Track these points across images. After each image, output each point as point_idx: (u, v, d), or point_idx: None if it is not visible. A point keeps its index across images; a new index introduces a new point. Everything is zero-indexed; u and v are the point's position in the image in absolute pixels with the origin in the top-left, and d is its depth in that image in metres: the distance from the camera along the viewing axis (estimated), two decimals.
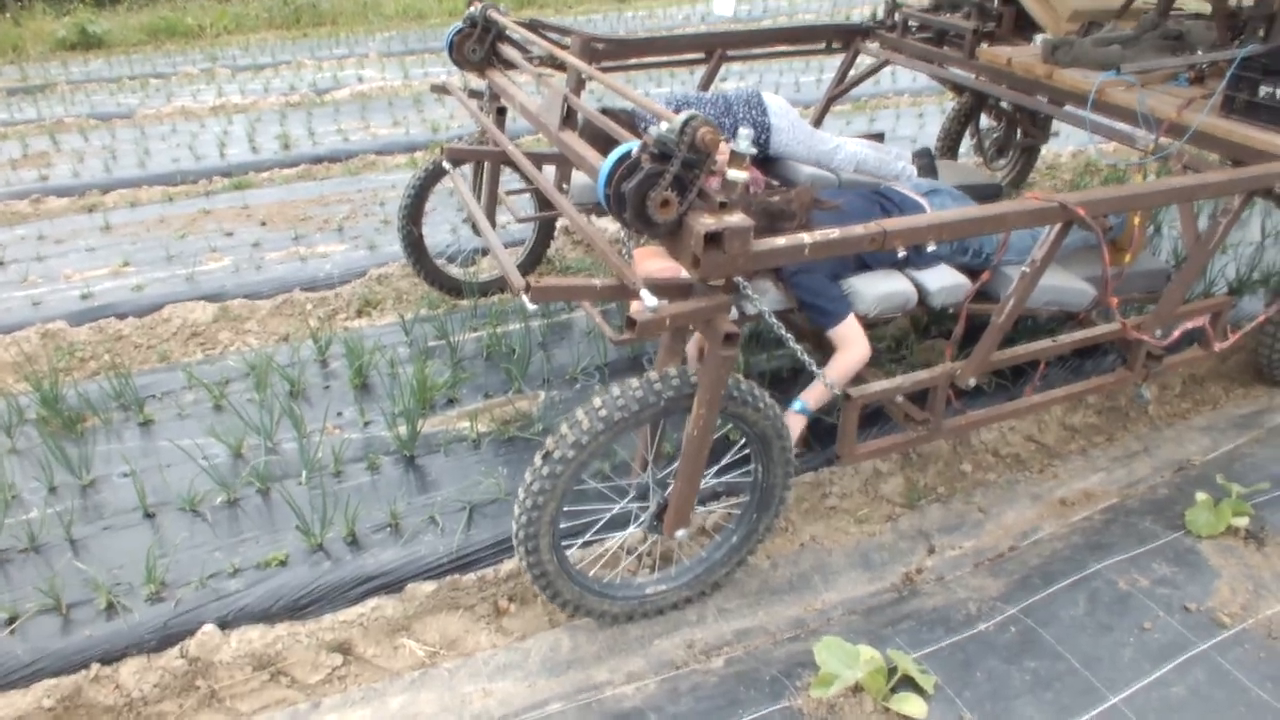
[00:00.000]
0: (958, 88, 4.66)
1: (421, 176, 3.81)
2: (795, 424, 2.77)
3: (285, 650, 2.34)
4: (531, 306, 2.06)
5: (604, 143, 2.63)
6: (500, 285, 4.21)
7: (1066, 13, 4.10)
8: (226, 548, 2.61)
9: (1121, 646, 2.32)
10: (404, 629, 2.44)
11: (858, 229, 2.13)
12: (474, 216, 2.98)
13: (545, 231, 4.26)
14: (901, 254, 2.90)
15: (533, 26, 3.68)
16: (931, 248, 2.93)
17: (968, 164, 5.16)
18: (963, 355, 2.74)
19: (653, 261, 2.63)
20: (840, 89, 4.76)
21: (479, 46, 3.57)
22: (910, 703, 2.08)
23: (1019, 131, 5.07)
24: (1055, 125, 5.35)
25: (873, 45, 4.62)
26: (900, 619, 2.43)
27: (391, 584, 2.50)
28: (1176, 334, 2.97)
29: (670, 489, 2.31)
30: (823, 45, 4.74)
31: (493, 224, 3.82)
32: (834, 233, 2.10)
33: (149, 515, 2.75)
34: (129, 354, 3.87)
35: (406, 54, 10.06)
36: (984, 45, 4.07)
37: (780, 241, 2.02)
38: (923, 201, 3.09)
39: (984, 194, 3.76)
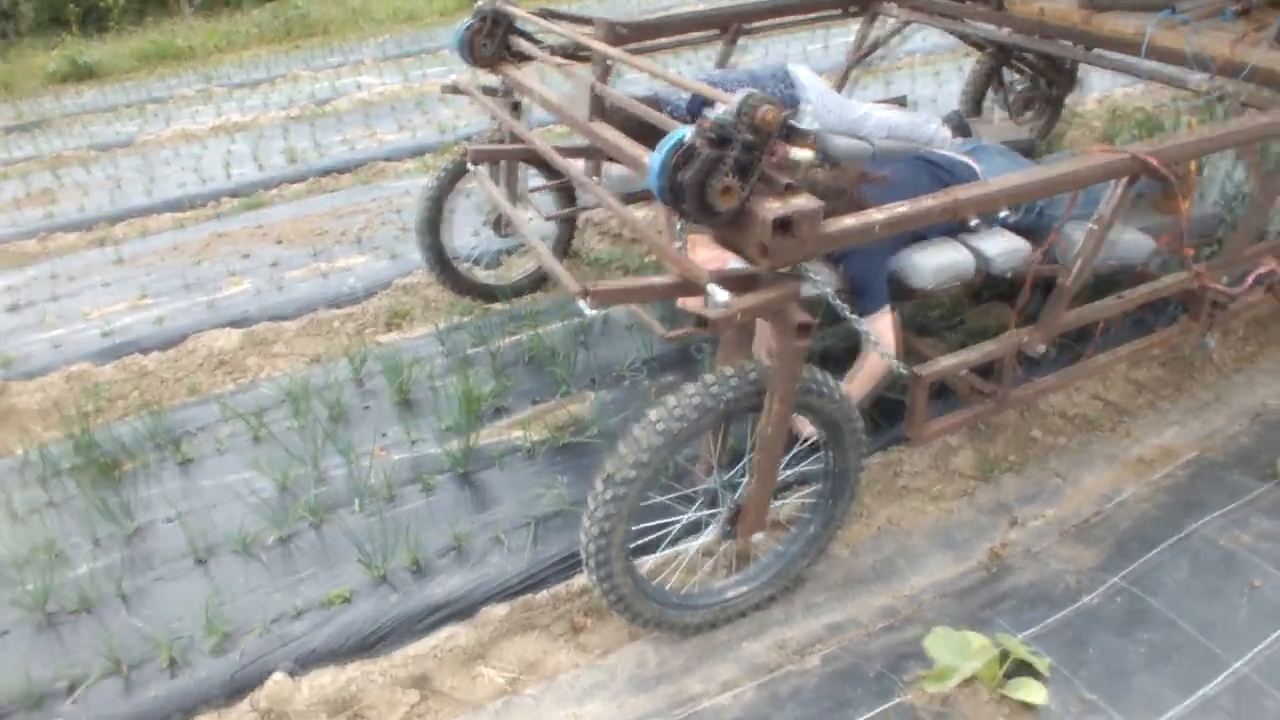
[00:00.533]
0: (979, 44, 4.50)
1: (437, 183, 3.68)
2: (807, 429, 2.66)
3: (360, 691, 2.24)
4: (590, 312, 1.94)
5: (638, 131, 2.51)
6: (534, 284, 4.10)
7: None
8: (286, 588, 2.52)
9: (1234, 609, 2.21)
10: (480, 657, 2.34)
11: (928, 200, 2.00)
12: (509, 215, 2.87)
13: (569, 228, 4.14)
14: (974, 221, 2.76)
15: (546, 16, 3.55)
16: (1003, 214, 2.78)
17: (994, 120, 5.00)
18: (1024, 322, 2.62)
19: (701, 251, 2.51)
20: (860, 55, 4.60)
21: (490, 41, 3.45)
22: (1028, 688, 1.98)
23: (1045, 83, 4.91)
24: (1081, 72, 5.16)
25: (890, 6, 4.46)
26: (997, 599, 2.33)
27: (462, 610, 2.40)
28: (1249, 280, 2.84)
29: (741, 491, 2.21)
30: (839, 11, 4.59)
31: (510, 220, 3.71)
32: (902, 207, 1.98)
33: (200, 561, 2.65)
34: (156, 389, 3.77)
35: (403, 56, 9.90)
36: None
37: (850, 221, 1.90)
38: (970, 161, 2.96)
39: (1019, 149, 3.62)
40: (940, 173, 2.84)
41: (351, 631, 2.34)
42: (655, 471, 2.00)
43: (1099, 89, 6.20)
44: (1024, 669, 2.04)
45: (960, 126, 3.80)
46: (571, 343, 3.55)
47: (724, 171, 1.78)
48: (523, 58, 3.46)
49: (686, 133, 1.86)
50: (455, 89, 3.71)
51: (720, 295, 1.85)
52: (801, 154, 1.81)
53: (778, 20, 4.46)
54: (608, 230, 4.69)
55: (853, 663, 2.16)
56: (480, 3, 3.43)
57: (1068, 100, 5.14)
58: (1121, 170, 2.23)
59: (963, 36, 4.37)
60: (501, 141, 3.60)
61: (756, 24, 4.38)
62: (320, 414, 3.29)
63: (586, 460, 2.89)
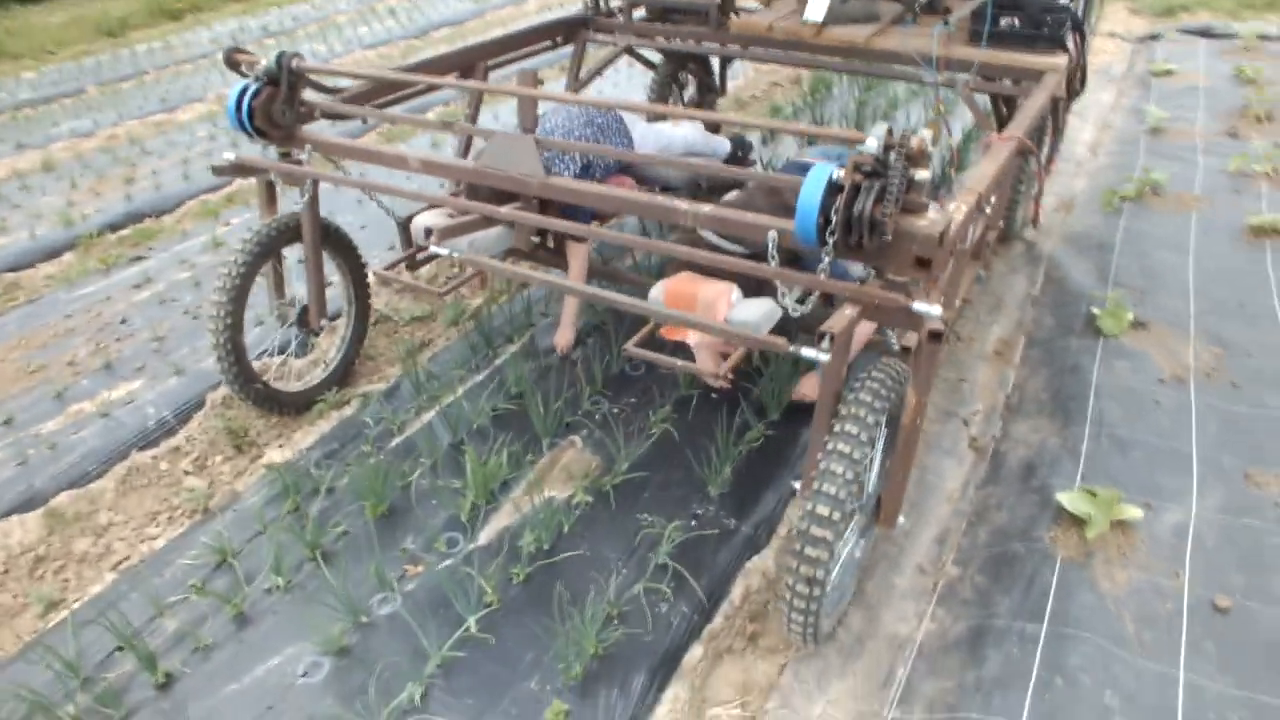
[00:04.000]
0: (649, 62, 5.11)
1: (243, 264, 3.19)
2: (813, 387, 3.14)
3: None
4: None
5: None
6: (338, 379, 3.73)
7: None
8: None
9: None
10: (705, 702, 2.41)
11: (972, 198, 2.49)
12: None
13: (364, 305, 3.79)
14: None
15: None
16: None
17: None
18: None
19: (704, 287, 2.72)
20: (580, 83, 4.95)
21: (288, 108, 3.16)
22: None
23: (705, 86, 5.73)
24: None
25: (600, 35, 4.86)
26: None
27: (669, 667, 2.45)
28: None
29: (875, 484, 2.48)
30: (549, 43, 4.86)
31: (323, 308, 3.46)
32: (969, 202, 2.42)
33: None
34: None
35: None
36: (733, 15, 4.57)
37: (960, 218, 2.32)
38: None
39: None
40: None
41: None
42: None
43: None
44: None
45: (741, 144, 4.40)
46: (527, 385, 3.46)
47: (891, 199, 2.10)
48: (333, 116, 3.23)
49: (831, 171, 2.14)
50: (238, 169, 3.31)
51: (934, 309, 2.14)
52: (923, 174, 2.21)
53: (508, 56, 4.61)
54: (404, 287, 4.48)
55: None
56: (263, 63, 3.11)
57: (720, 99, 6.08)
58: None
59: (667, 53, 4.98)
60: (290, 224, 3.31)
61: (494, 60, 4.49)
62: (304, 577, 2.84)
63: (638, 504, 2.99)
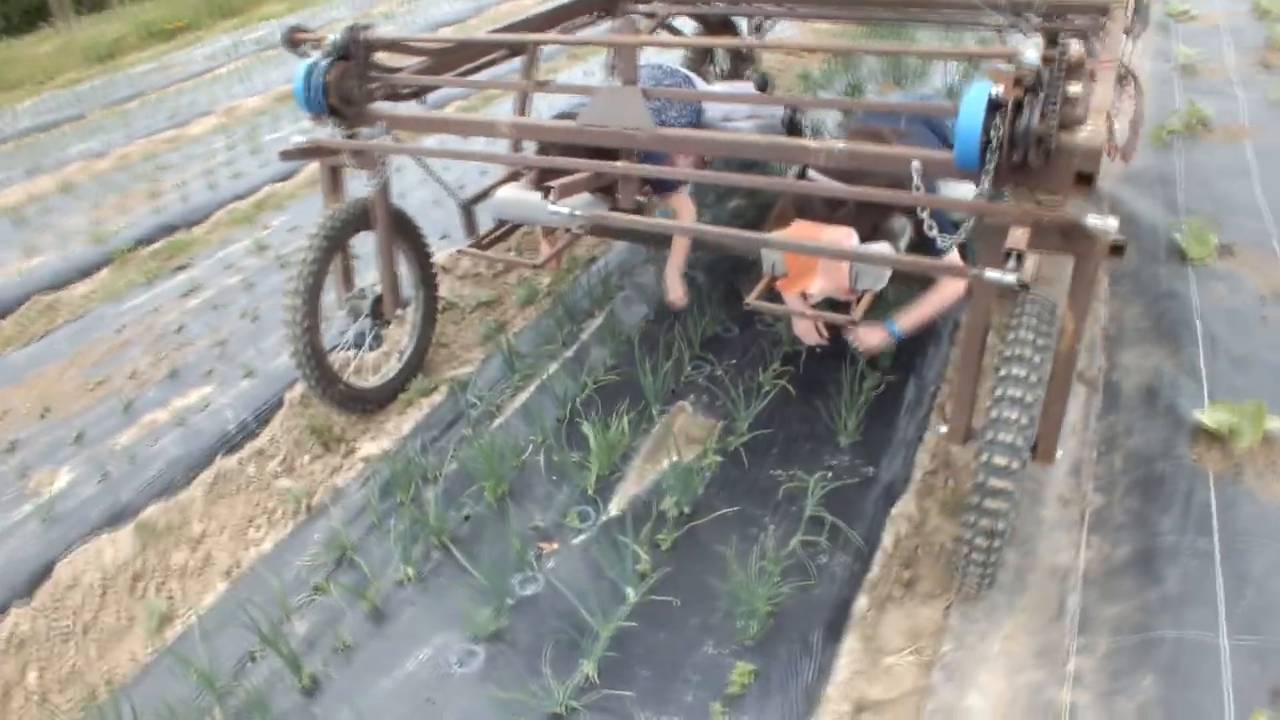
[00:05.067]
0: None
1: (318, 251, 3.05)
2: (879, 337, 3.06)
3: None
4: None
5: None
6: (406, 379, 3.59)
7: None
8: None
9: None
10: (879, 651, 2.35)
11: None
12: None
13: (431, 289, 3.63)
14: None
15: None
16: None
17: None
18: None
19: (827, 231, 2.67)
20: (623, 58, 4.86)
21: (360, 82, 3.05)
22: None
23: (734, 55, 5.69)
24: None
25: (640, 5, 4.78)
26: None
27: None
28: None
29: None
30: (591, 15, 4.78)
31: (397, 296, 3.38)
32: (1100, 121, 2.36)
33: None
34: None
35: None
36: None
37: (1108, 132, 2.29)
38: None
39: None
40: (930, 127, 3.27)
41: None
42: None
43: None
44: None
45: (762, 85, 4.37)
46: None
47: (1054, 113, 2.05)
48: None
49: (989, 88, 2.08)
50: (310, 151, 3.18)
51: (1111, 222, 2.04)
52: (1075, 88, 2.16)
53: (554, 33, 4.52)
54: (465, 274, 4.41)
55: None
56: (331, 38, 2.98)
57: None
58: None
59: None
60: (357, 212, 3.18)
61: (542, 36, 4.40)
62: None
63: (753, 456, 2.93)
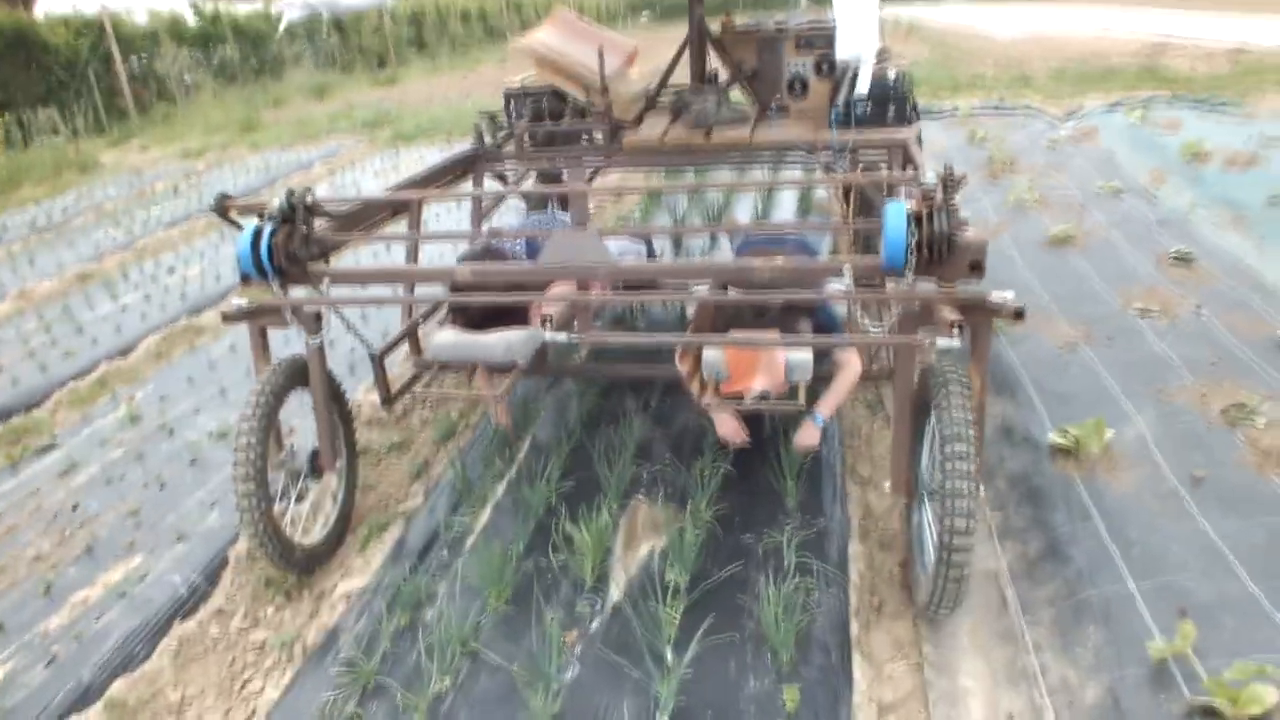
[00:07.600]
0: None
1: (267, 396, 3.13)
2: (814, 434, 3.46)
3: None
4: None
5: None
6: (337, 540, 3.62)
7: (629, 99, 5.44)
8: None
9: None
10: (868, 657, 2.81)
11: None
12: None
13: (352, 436, 3.70)
14: None
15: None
16: None
17: None
18: None
19: (762, 349, 3.18)
20: (484, 213, 5.27)
21: (302, 244, 3.20)
22: None
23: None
24: None
25: (495, 165, 5.27)
26: None
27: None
28: None
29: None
30: (450, 178, 5.20)
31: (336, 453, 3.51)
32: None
33: None
34: None
35: None
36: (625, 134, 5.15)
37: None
38: None
39: None
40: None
41: None
42: None
43: None
44: None
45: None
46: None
47: (956, 220, 2.70)
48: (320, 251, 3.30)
49: (906, 207, 2.72)
50: (251, 314, 3.29)
51: (1008, 294, 2.71)
52: (958, 200, 2.87)
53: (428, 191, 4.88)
54: (370, 420, 4.55)
55: None
56: (275, 201, 3.16)
57: None
58: None
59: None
60: (291, 371, 3.27)
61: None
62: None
63: (724, 524, 3.35)
